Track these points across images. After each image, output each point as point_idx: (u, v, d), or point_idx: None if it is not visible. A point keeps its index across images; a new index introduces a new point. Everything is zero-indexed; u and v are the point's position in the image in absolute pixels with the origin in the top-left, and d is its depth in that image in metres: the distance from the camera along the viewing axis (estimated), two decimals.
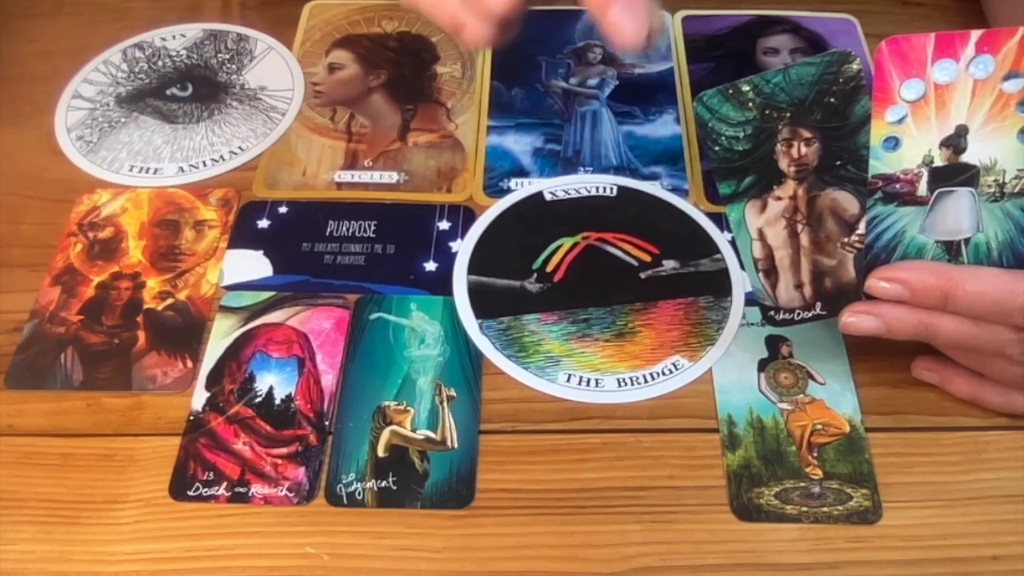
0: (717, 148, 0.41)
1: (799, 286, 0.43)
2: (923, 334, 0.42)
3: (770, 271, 0.43)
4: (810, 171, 0.42)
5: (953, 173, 0.40)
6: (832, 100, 0.40)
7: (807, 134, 0.41)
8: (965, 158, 0.40)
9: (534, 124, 0.58)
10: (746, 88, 0.40)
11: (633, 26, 0.43)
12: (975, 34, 0.38)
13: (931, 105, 0.39)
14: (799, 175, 0.42)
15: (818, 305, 0.44)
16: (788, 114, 0.40)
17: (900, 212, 0.41)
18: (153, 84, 0.61)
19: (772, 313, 0.44)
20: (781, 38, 0.64)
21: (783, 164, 0.42)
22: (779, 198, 0.42)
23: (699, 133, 0.41)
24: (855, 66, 0.39)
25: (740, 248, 0.43)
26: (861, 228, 0.42)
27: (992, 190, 0.41)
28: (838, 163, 0.41)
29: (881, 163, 0.40)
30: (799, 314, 0.44)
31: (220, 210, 0.54)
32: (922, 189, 0.41)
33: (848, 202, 0.42)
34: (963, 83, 0.39)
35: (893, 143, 0.40)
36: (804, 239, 0.43)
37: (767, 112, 0.40)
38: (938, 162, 0.40)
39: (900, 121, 0.39)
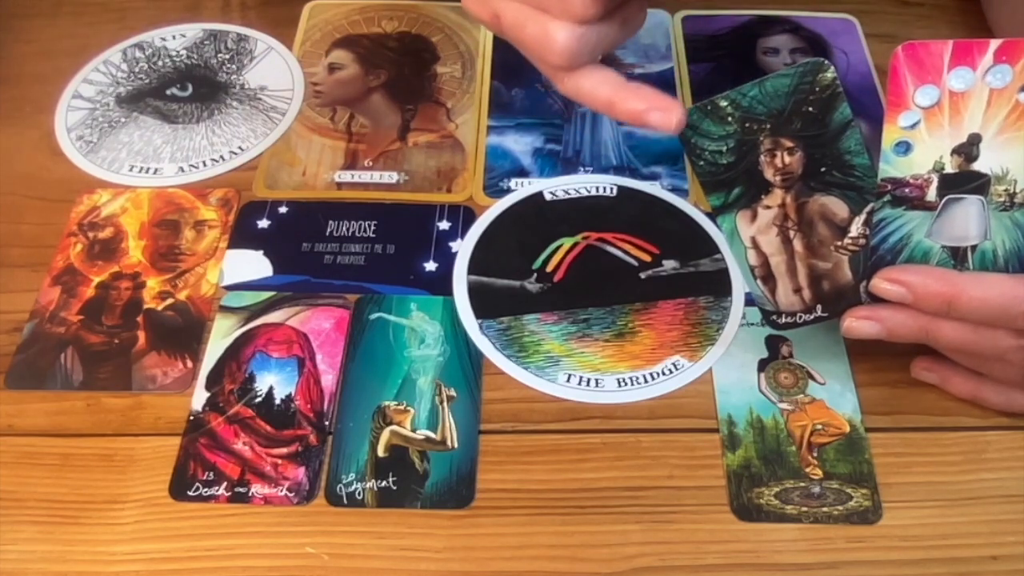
0: (702, 163, 0.41)
1: (797, 290, 0.43)
2: (923, 338, 0.42)
3: (767, 277, 0.43)
4: (796, 179, 0.42)
5: (964, 180, 0.40)
6: (810, 109, 0.40)
7: (789, 143, 0.41)
8: (977, 166, 0.40)
9: (534, 124, 0.58)
10: (724, 103, 0.40)
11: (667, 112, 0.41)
12: (994, 43, 0.38)
13: (945, 112, 0.39)
14: (785, 183, 0.42)
15: (818, 308, 0.44)
16: (768, 125, 0.40)
17: (908, 216, 0.41)
18: (153, 84, 0.61)
19: (774, 317, 0.44)
20: (781, 38, 0.64)
21: (768, 174, 0.42)
22: (768, 207, 0.42)
23: (683, 149, 0.42)
24: (829, 74, 0.39)
25: (736, 257, 0.43)
26: (853, 231, 0.42)
27: (1002, 199, 0.41)
28: (823, 169, 0.41)
29: (891, 167, 0.40)
30: (800, 317, 0.44)
31: (220, 210, 0.54)
32: (931, 195, 0.41)
33: (837, 206, 0.42)
34: (979, 92, 0.39)
35: (904, 147, 0.40)
36: (797, 244, 0.43)
37: (747, 125, 0.40)
38: (949, 169, 0.40)
39: (913, 126, 0.39)
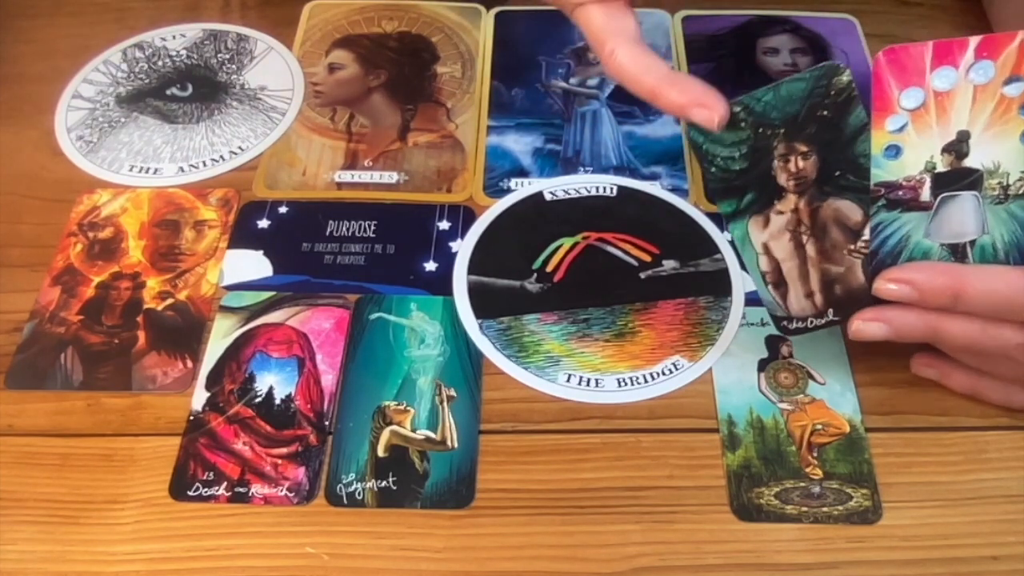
0: (714, 169, 0.41)
1: (809, 295, 0.43)
2: (931, 337, 0.42)
3: (779, 283, 0.43)
4: (809, 183, 0.41)
5: (956, 178, 0.40)
6: (825, 113, 0.40)
7: (803, 148, 0.41)
8: (967, 163, 0.40)
9: (534, 124, 0.58)
10: (736, 109, 0.40)
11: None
12: (974, 40, 0.38)
13: (931, 112, 0.39)
14: (799, 188, 0.41)
15: (830, 312, 0.43)
16: (782, 130, 0.40)
17: (904, 218, 0.41)
18: (153, 84, 0.61)
19: (785, 323, 0.44)
20: (781, 38, 0.64)
21: (782, 179, 0.41)
22: (781, 212, 0.42)
23: (695, 155, 0.41)
24: (845, 77, 0.39)
25: (747, 264, 0.43)
26: (866, 234, 0.42)
27: (996, 193, 0.41)
28: (837, 173, 0.41)
29: (883, 171, 0.40)
30: (812, 322, 0.44)
31: (220, 210, 0.54)
32: (925, 195, 0.41)
33: (850, 210, 0.42)
34: (963, 89, 0.39)
35: (894, 151, 0.40)
36: (810, 249, 0.42)
37: (760, 130, 0.40)
38: (940, 168, 0.40)
39: (900, 130, 0.39)
